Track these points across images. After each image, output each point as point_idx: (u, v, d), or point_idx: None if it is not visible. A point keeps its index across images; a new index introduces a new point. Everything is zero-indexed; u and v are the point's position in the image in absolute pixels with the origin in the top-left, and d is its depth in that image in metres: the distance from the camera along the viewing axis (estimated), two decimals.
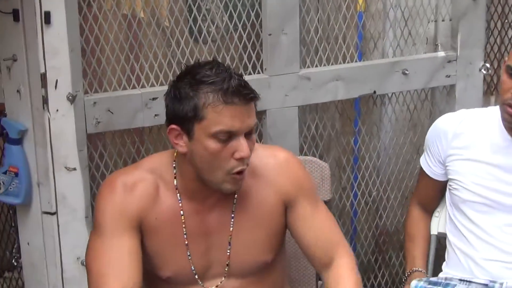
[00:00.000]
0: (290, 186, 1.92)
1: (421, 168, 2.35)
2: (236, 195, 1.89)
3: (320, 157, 2.67)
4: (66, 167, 2.22)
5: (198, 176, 1.80)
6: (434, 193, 2.37)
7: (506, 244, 2.14)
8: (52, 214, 2.24)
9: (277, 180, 1.91)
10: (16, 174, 2.26)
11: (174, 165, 1.87)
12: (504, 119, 2.11)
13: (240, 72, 1.79)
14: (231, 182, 1.78)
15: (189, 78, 1.74)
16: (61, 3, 2.11)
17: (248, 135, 1.75)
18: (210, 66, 1.75)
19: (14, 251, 2.47)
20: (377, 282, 2.99)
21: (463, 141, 2.21)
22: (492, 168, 2.16)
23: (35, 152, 2.24)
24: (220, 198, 1.87)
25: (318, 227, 1.94)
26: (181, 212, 1.86)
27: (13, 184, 2.27)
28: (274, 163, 1.93)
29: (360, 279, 1.95)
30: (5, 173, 2.28)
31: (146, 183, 1.85)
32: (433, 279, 2.24)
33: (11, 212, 2.49)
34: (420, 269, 2.32)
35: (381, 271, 3.00)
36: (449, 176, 2.25)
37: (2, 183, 2.29)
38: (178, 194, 1.86)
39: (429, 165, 2.30)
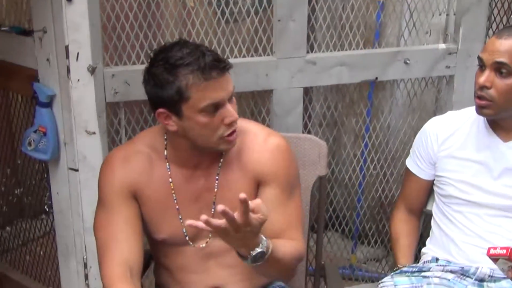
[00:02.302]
0: (267, 167, 1.76)
1: (407, 170, 2.12)
2: (221, 162, 1.77)
3: (323, 136, 2.51)
4: (86, 131, 2.13)
5: (192, 146, 1.70)
6: (422, 193, 2.14)
7: (485, 232, 1.95)
8: (76, 170, 2.18)
9: (257, 160, 1.77)
10: (45, 134, 2.18)
11: (165, 137, 1.76)
12: (476, 111, 1.91)
13: (211, 48, 1.67)
14: (226, 143, 1.69)
15: (163, 63, 1.60)
16: None
17: (229, 100, 1.66)
18: (179, 47, 1.61)
19: (46, 198, 2.44)
20: (370, 246, 2.86)
21: (452, 142, 2.01)
22: (479, 166, 1.96)
23: (62, 115, 2.16)
24: (208, 165, 1.77)
25: (278, 215, 1.75)
26: (170, 180, 1.76)
27: (42, 142, 2.19)
28: (263, 144, 1.78)
29: (292, 259, 1.73)
30: (35, 132, 2.20)
31: (140, 156, 1.76)
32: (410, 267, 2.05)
33: (44, 165, 2.43)
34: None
35: (374, 238, 2.85)
36: (437, 173, 2.05)
37: (32, 140, 2.21)
38: (167, 164, 1.76)
39: (419, 166, 2.08)
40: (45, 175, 2.40)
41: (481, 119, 1.97)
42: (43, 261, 2.68)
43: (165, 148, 1.76)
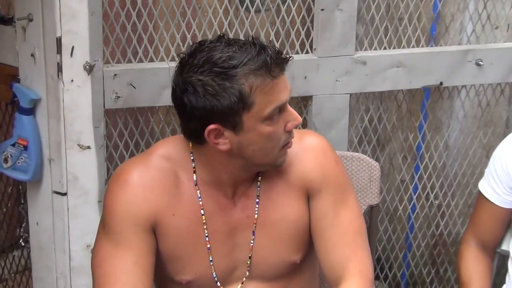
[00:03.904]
0: (314, 173, 1.79)
1: (480, 196, 2.12)
2: (259, 181, 1.79)
3: (373, 155, 2.50)
4: (79, 145, 2.13)
5: (242, 167, 1.71)
6: (498, 224, 2.13)
7: None
8: (63, 194, 2.17)
9: (300, 166, 1.79)
10: (25, 148, 2.17)
11: (192, 157, 1.74)
12: None
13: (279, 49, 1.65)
14: (283, 154, 1.72)
15: (210, 67, 1.58)
16: None
17: None
18: (224, 45, 1.60)
19: (22, 230, 2.42)
20: None
21: None
22: None
23: (48, 125, 2.15)
24: (245, 188, 1.78)
25: (336, 231, 1.78)
26: (202, 211, 1.75)
27: (22, 158, 2.18)
28: (300, 147, 1.79)
29: None
30: (13, 145, 2.19)
31: (163, 173, 1.73)
32: None
33: (21, 187, 2.41)
34: None
35: (433, 286, 2.83)
36: None
37: (9, 156, 2.20)
38: (198, 191, 1.74)
39: (496, 192, 2.07)
40: (22, 201, 2.39)
41: None
42: None
43: (194, 172, 1.75)
